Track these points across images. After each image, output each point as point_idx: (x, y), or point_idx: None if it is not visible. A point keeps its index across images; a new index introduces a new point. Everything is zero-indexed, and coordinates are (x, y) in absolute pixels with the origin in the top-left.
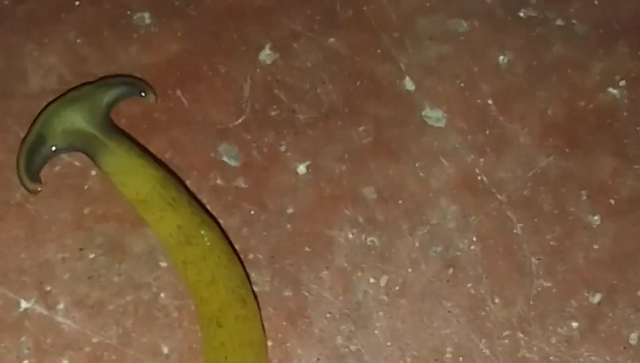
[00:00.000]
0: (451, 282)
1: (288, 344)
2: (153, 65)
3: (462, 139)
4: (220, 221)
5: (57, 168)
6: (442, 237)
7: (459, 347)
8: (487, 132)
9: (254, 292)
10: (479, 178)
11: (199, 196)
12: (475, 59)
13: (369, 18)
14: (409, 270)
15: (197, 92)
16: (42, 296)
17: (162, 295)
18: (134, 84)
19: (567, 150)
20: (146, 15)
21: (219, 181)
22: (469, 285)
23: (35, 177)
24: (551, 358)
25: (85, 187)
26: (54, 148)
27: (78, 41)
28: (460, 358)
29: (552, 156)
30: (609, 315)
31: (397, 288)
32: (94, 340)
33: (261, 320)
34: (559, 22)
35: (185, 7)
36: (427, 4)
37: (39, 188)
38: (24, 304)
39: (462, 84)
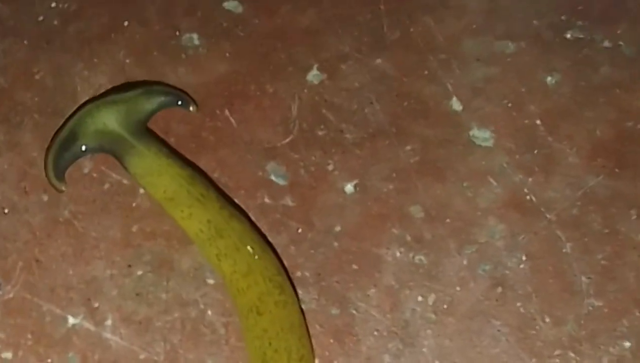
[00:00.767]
0: (500, 300)
1: (335, 362)
2: (201, 85)
3: (509, 159)
4: (268, 239)
5: (106, 186)
6: (491, 256)
7: None
8: (535, 151)
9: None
10: (527, 197)
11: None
12: (522, 79)
13: (416, 39)
14: (457, 288)
15: (245, 112)
16: (89, 312)
17: (209, 312)
18: (175, 94)
19: (616, 170)
20: (195, 36)
21: (266, 200)
22: (518, 304)
23: (61, 175)
24: None
25: (134, 204)
26: (84, 147)
27: (127, 61)
28: None
29: (601, 176)
30: None
31: (445, 306)
32: (141, 356)
33: (299, 304)
34: (606, 43)
35: (234, 28)
36: (474, 26)
37: (63, 188)
38: (71, 320)
39: (509, 105)
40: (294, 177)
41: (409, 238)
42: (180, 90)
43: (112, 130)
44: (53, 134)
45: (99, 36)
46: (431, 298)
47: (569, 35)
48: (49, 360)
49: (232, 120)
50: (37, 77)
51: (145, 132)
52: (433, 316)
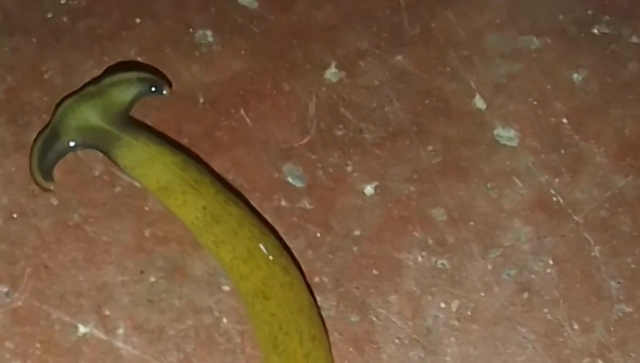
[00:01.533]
0: (526, 306)
1: None
2: (215, 83)
3: (535, 159)
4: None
5: (117, 189)
6: (516, 260)
7: None
8: (562, 151)
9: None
10: (554, 198)
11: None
12: (547, 76)
13: (436, 35)
14: (482, 294)
15: (261, 111)
16: (100, 320)
17: (224, 319)
18: (151, 80)
19: None
20: (209, 32)
21: (283, 202)
22: (545, 310)
23: (48, 175)
24: None
25: (146, 208)
26: (72, 143)
27: (139, 59)
28: None
29: (630, 176)
30: None
31: (468, 313)
32: None
33: (308, 285)
34: (634, 39)
35: (249, 25)
36: (497, 21)
37: (51, 187)
38: (82, 329)
39: (534, 102)
40: (311, 178)
41: (431, 242)
42: (152, 73)
43: (94, 124)
44: (36, 134)
45: (109, 33)
46: (454, 305)
47: (595, 31)
48: None
49: (248, 120)
50: (46, 75)
51: (129, 122)
52: (456, 323)
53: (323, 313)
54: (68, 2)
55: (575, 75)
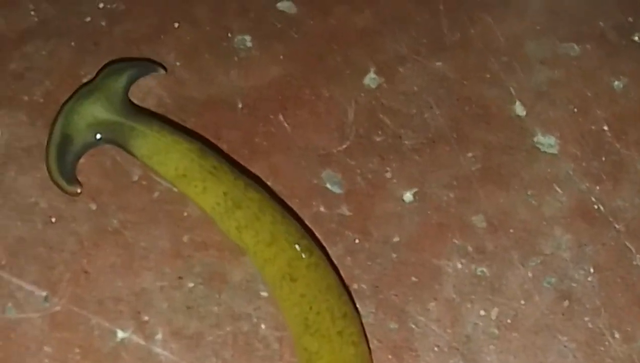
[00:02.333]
0: (567, 315)
1: None
2: (254, 89)
3: (575, 166)
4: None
5: (156, 194)
6: (556, 268)
7: None
8: (603, 158)
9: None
10: (594, 206)
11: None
12: (588, 83)
13: (476, 41)
14: (522, 302)
15: (300, 117)
16: (139, 326)
17: (263, 326)
18: (141, 65)
19: None
20: (247, 38)
21: (321, 208)
22: (586, 319)
23: (72, 179)
24: None
25: (184, 214)
26: (88, 142)
27: (177, 63)
28: None
29: None
30: None
31: (508, 321)
32: None
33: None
34: None
35: (287, 30)
36: (537, 27)
37: (79, 190)
38: (120, 334)
39: (575, 109)
40: (350, 185)
41: (470, 249)
42: (143, 58)
43: (104, 118)
44: (46, 144)
45: (147, 37)
46: (494, 312)
47: (636, 38)
48: None
49: (286, 126)
50: (83, 79)
51: (139, 111)
52: (496, 331)
53: (362, 321)
54: (106, 6)
55: (615, 83)
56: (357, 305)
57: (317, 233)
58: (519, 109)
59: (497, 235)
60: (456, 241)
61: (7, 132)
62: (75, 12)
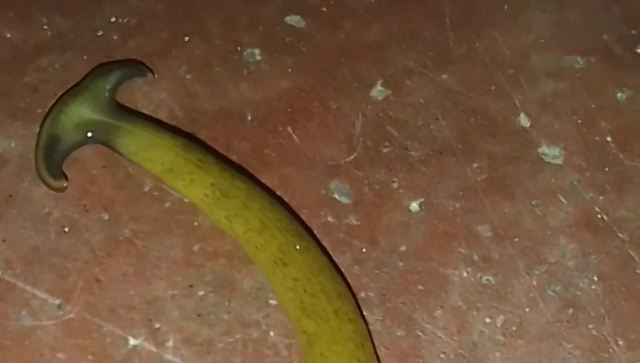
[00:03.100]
0: (571, 322)
1: None
2: (263, 101)
3: (580, 177)
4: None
5: (167, 204)
6: (561, 276)
7: None
8: (607, 169)
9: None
10: (599, 216)
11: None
12: (592, 95)
13: (482, 54)
14: (527, 309)
15: (308, 129)
16: (151, 333)
17: (272, 333)
18: (130, 66)
19: None
20: (257, 51)
21: (329, 218)
22: (590, 326)
23: (58, 175)
24: None
25: (195, 223)
26: (74, 142)
27: (188, 77)
28: None
29: None
30: None
31: (514, 328)
32: None
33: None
34: None
35: (296, 44)
36: (542, 40)
37: (65, 184)
38: (132, 341)
39: (579, 121)
40: (358, 195)
41: (476, 257)
42: (132, 60)
43: (90, 119)
44: (34, 145)
45: (159, 51)
46: (500, 320)
47: (639, 50)
48: None
49: (295, 137)
50: None
51: (124, 111)
52: (502, 338)
53: (369, 328)
54: (118, 20)
55: (619, 94)
56: (365, 313)
57: (325, 243)
58: (524, 121)
59: (502, 244)
60: (462, 250)
61: (21, 144)
62: (88, 26)
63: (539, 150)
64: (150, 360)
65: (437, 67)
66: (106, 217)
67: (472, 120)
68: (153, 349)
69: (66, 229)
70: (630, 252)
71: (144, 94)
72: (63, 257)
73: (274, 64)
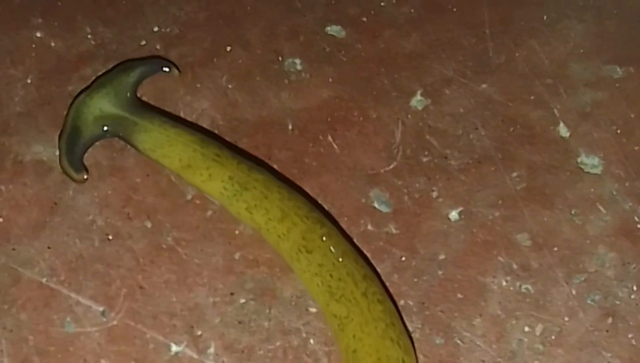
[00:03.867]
0: (611, 331)
1: None
2: (304, 110)
3: (619, 186)
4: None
5: (209, 213)
6: (600, 286)
7: None
8: None
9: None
10: (638, 225)
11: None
12: (631, 105)
13: (521, 64)
14: (566, 318)
15: (348, 138)
16: (192, 340)
17: (312, 340)
18: (155, 62)
19: None
20: (297, 61)
21: (369, 227)
22: (629, 336)
23: (79, 168)
24: None
25: (237, 232)
26: (105, 128)
27: (229, 86)
28: None
29: None
30: None
31: (553, 337)
32: None
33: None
34: None
35: (336, 53)
36: (581, 50)
37: (86, 176)
38: (174, 348)
39: (618, 131)
40: (397, 204)
41: (515, 266)
42: (158, 56)
43: (110, 113)
44: (58, 136)
45: (201, 60)
46: (538, 329)
47: None
48: None
49: (335, 146)
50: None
51: (143, 107)
52: (541, 347)
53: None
54: (161, 30)
55: None
56: (404, 321)
57: (365, 251)
58: (563, 130)
59: (541, 253)
60: (501, 259)
61: None
62: (131, 36)
63: (578, 160)
64: None
65: (477, 77)
66: (149, 225)
67: (512, 129)
68: (195, 356)
69: (110, 237)
70: None
71: (186, 103)
72: (106, 265)
73: (314, 74)
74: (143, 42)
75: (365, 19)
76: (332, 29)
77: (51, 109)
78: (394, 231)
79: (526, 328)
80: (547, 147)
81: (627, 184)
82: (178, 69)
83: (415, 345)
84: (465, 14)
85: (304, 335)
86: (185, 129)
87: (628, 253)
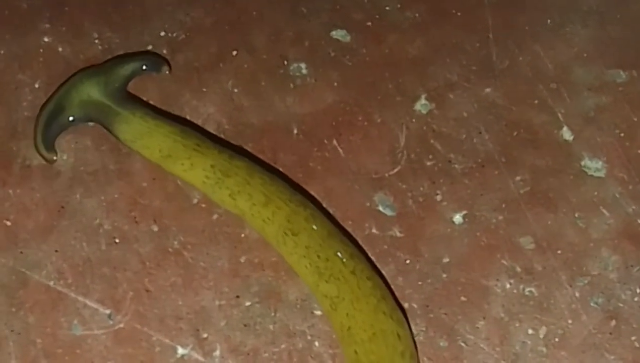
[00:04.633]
0: (614, 334)
1: None
2: (309, 114)
3: (622, 189)
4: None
5: (215, 216)
6: (604, 288)
7: None
8: None
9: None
10: None
11: None
12: (634, 109)
13: (525, 68)
14: (569, 321)
15: (353, 142)
16: (198, 343)
17: (316, 343)
18: (148, 59)
19: None
20: (303, 65)
21: (374, 230)
22: (632, 338)
23: (50, 147)
24: None
25: (242, 235)
26: (71, 118)
27: (235, 90)
28: None
29: None
30: None
31: (556, 339)
32: None
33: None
34: None
35: (341, 58)
36: (584, 55)
37: (55, 158)
38: (180, 350)
39: (621, 134)
40: (401, 207)
41: (519, 269)
42: (154, 53)
43: (96, 100)
44: (40, 107)
45: (207, 65)
46: (542, 331)
47: None
48: None
49: (340, 150)
50: None
51: (128, 98)
52: (544, 349)
53: (414, 338)
54: (167, 35)
55: None
56: (409, 324)
57: (369, 254)
58: (567, 134)
59: (545, 256)
60: (505, 262)
61: (72, 156)
62: (138, 41)
63: (582, 163)
64: None
65: (480, 81)
66: (155, 228)
67: (515, 133)
68: (200, 358)
69: (117, 240)
70: None
71: (192, 108)
72: (113, 268)
73: (319, 78)
74: (150, 47)
75: (370, 24)
76: (337, 34)
77: None
78: (398, 234)
79: (530, 331)
80: (550, 151)
81: (630, 187)
82: (169, 67)
83: (419, 347)
84: (469, 19)
85: (309, 337)
86: (165, 121)
87: (631, 256)
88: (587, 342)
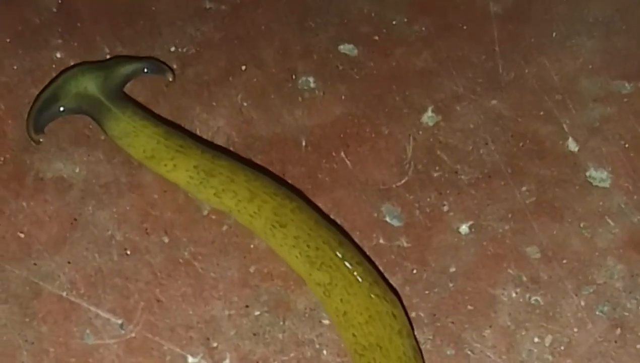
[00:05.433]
0: (619, 342)
1: None
2: (317, 127)
3: (627, 199)
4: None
5: (224, 227)
6: (609, 297)
7: None
8: None
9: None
10: None
11: None
12: (639, 119)
13: (531, 80)
14: (575, 329)
15: (361, 154)
16: (208, 352)
17: (325, 352)
18: (151, 63)
19: None
20: (311, 79)
21: (381, 240)
22: (638, 347)
23: (39, 130)
24: None
25: (252, 246)
26: (61, 108)
27: (245, 104)
28: None
29: None
30: None
31: (562, 348)
32: None
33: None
34: None
35: (349, 71)
36: (590, 66)
37: (41, 140)
38: (190, 359)
39: (626, 145)
40: (409, 218)
41: (525, 278)
42: (157, 59)
43: (91, 94)
44: (37, 94)
45: (217, 79)
46: (548, 340)
47: None
48: None
49: (348, 162)
50: None
51: (122, 96)
52: (550, 357)
53: (420, 347)
54: (177, 50)
55: None
56: (415, 332)
57: (377, 264)
58: (572, 145)
59: (551, 265)
60: (511, 271)
61: (85, 169)
62: (149, 55)
63: (587, 174)
64: None
65: (487, 93)
66: (166, 239)
67: (521, 144)
68: None
69: (128, 252)
70: None
71: (201, 121)
72: (125, 278)
73: (327, 91)
74: None
75: (377, 38)
76: (345, 48)
77: (71, 127)
78: (405, 244)
79: (536, 339)
80: (556, 162)
81: (635, 197)
82: (173, 73)
83: (426, 356)
84: (475, 31)
85: (317, 346)
86: (152, 121)
87: (636, 265)
88: (592, 350)
